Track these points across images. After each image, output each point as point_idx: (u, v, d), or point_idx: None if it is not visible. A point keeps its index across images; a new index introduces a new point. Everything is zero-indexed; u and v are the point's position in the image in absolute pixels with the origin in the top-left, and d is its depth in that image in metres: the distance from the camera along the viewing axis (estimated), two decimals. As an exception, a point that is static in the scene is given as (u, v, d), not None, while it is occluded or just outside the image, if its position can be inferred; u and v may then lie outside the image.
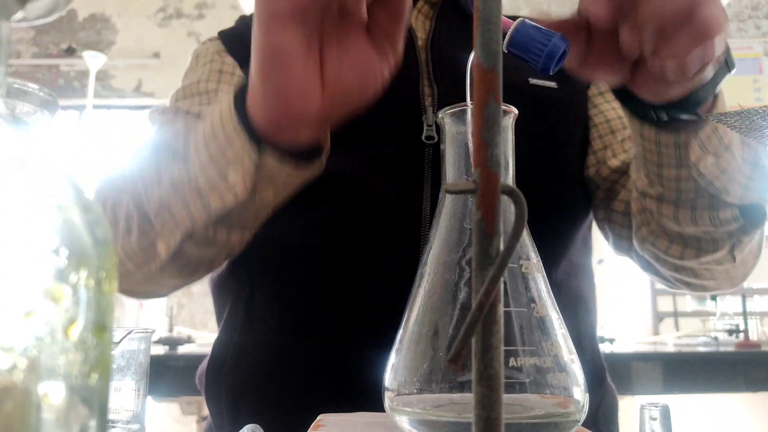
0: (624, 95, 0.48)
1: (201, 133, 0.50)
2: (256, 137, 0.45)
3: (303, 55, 0.41)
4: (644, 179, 0.56)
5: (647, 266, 0.68)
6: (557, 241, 0.66)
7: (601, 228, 0.74)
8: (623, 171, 0.68)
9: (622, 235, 0.69)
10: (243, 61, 0.73)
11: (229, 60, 0.73)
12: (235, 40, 0.74)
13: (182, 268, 0.57)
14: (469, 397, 0.30)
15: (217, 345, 0.69)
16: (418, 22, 0.72)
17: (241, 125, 0.45)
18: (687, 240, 0.59)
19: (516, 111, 0.36)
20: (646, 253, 0.65)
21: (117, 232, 0.57)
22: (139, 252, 0.56)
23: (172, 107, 0.70)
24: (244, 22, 0.76)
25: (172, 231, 0.52)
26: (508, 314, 0.32)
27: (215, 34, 0.77)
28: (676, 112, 0.47)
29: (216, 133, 0.47)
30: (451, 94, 0.64)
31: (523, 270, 0.34)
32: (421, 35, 0.71)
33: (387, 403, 0.34)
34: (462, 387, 0.31)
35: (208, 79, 0.71)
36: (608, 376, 0.71)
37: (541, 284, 0.34)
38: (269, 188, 0.48)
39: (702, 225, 0.55)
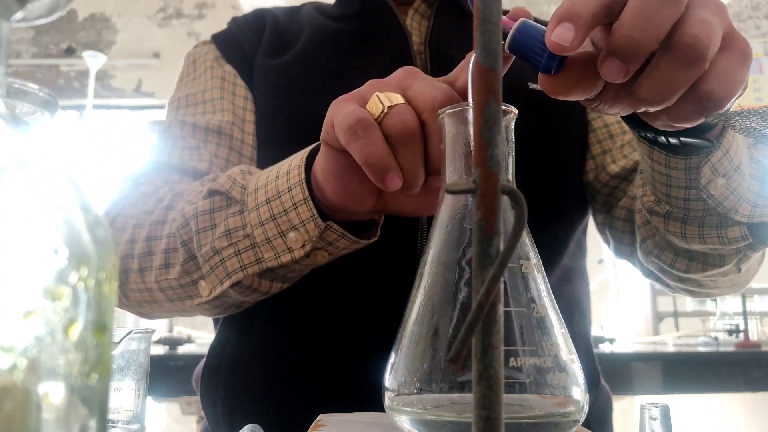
0: (632, 118, 0.45)
1: (262, 186, 0.51)
2: (321, 209, 0.48)
3: (360, 174, 0.43)
4: (650, 196, 0.54)
5: (650, 274, 0.68)
6: (553, 246, 0.66)
7: (601, 232, 0.73)
8: (623, 177, 0.67)
9: (623, 241, 0.68)
10: (241, 69, 0.72)
11: (229, 68, 0.72)
12: (232, 45, 0.73)
13: (216, 307, 0.58)
14: (469, 397, 0.30)
15: (213, 347, 0.68)
16: (414, 21, 0.71)
17: (311, 195, 0.48)
18: (693, 254, 0.58)
19: (516, 111, 0.36)
20: (650, 265, 0.64)
21: (150, 263, 0.57)
22: (178, 288, 0.56)
23: (176, 119, 0.70)
24: (237, 24, 0.75)
25: (221, 279, 0.53)
26: (508, 314, 0.32)
27: (209, 37, 0.76)
28: (687, 138, 0.45)
29: (280, 192, 0.49)
30: None
31: (523, 270, 0.34)
32: (417, 36, 0.70)
33: (387, 403, 0.34)
34: (462, 387, 0.31)
35: (212, 87, 0.71)
36: (602, 378, 0.71)
37: (541, 284, 0.34)
38: (324, 253, 0.51)
39: (710, 243, 0.54)
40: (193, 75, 0.73)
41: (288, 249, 0.50)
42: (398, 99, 0.41)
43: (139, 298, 0.59)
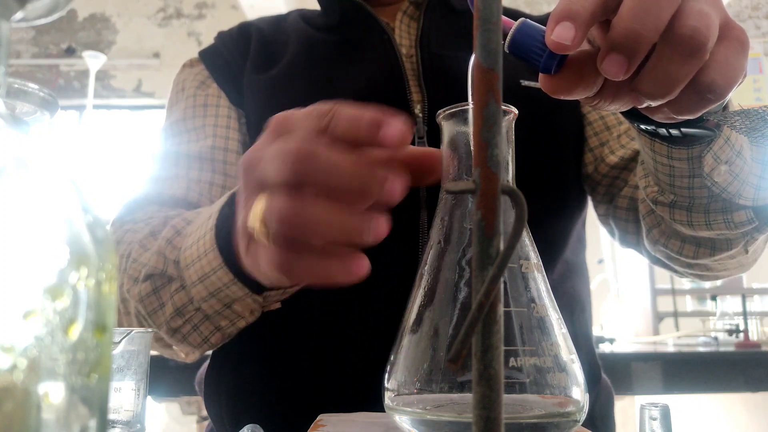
0: (631, 112, 0.44)
1: (191, 264, 0.49)
2: (252, 282, 0.47)
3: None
4: (654, 187, 0.55)
5: (658, 261, 0.68)
6: (554, 242, 0.66)
7: (604, 224, 0.73)
8: (623, 167, 0.67)
9: (628, 230, 0.69)
10: (227, 88, 0.72)
11: (214, 89, 0.73)
12: (218, 64, 0.74)
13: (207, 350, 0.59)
14: (469, 397, 0.30)
15: (216, 350, 0.69)
16: (403, 23, 0.71)
17: (236, 274, 0.46)
18: (701, 241, 0.59)
19: (516, 111, 0.36)
20: (658, 253, 0.65)
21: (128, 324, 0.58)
22: (161, 348, 0.58)
23: (164, 149, 0.71)
24: (223, 40, 0.76)
25: (192, 348, 0.54)
26: (508, 314, 0.32)
27: (197, 56, 0.76)
28: (688, 128, 0.45)
29: (207, 273, 0.48)
30: (441, 97, 0.64)
31: (523, 270, 0.34)
32: (407, 38, 0.70)
33: (387, 403, 0.34)
34: (462, 387, 0.31)
35: (194, 116, 0.71)
36: (603, 372, 0.71)
37: (540, 284, 0.34)
38: (275, 303, 0.52)
39: (717, 229, 0.54)
40: (177, 104, 0.74)
41: (239, 316, 0.51)
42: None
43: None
